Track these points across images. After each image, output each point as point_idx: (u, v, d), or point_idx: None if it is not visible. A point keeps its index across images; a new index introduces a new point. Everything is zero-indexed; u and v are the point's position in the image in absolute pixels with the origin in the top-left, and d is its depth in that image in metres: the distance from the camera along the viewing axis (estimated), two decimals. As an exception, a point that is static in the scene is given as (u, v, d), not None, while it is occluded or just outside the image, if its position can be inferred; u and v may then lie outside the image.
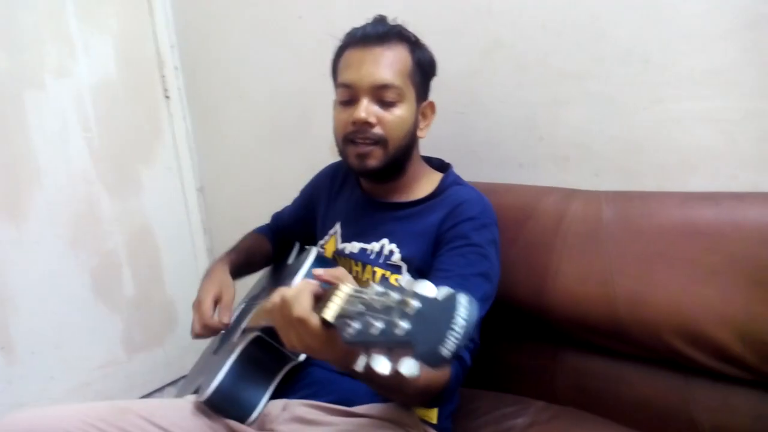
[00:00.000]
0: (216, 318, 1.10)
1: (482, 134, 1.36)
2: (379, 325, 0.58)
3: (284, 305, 0.73)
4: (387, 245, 1.08)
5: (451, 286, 0.94)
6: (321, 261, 1.09)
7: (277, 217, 1.42)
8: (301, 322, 0.70)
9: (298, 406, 1.01)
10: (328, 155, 1.53)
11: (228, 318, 1.11)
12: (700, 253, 0.98)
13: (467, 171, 1.17)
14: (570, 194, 1.16)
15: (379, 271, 1.07)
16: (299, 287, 0.73)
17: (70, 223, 1.78)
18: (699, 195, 1.04)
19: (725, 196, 1.02)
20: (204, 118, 2.04)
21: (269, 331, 1.02)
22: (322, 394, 1.02)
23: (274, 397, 1.04)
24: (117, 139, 1.87)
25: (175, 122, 2.02)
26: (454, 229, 1.02)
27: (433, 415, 1.06)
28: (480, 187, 1.12)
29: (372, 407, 1.00)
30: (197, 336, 1.12)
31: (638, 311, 1.02)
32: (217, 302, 1.12)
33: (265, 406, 1.03)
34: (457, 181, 1.13)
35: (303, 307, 0.70)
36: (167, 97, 1.99)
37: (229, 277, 1.18)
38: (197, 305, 1.12)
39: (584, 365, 1.14)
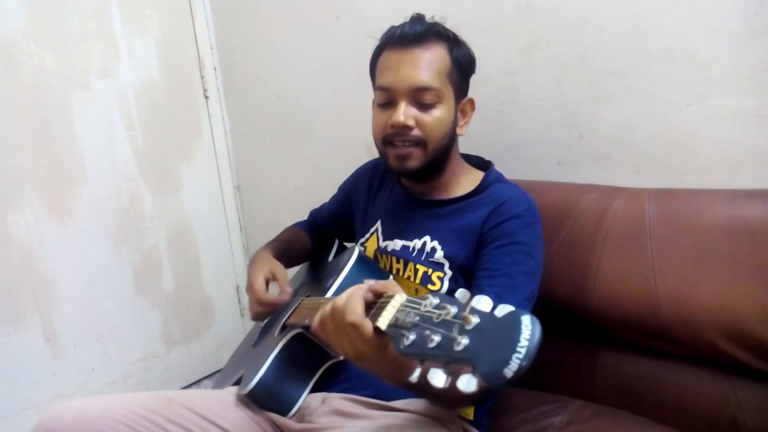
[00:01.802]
0: (271, 294, 1.12)
1: (521, 132, 1.35)
2: (436, 338, 0.58)
3: (335, 312, 0.74)
4: (429, 242, 1.08)
5: (498, 285, 0.97)
6: (363, 260, 1.10)
7: (315, 214, 1.44)
8: (354, 327, 0.71)
9: (337, 400, 1.03)
10: (364, 154, 1.54)
11: (290, 291, 1.13)
12: (746, 251, 0.96)
13: (505, 169, 1.16)
14: (611, 191, 1.14)
15: (421, 269, 1.07)
16: (349, 292, 0.74)
17: (113, 219, 1.83)
18: (745, 192, 1.02)
19: (772, 194, 1.00)
20: (242, 118, 2.07)
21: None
22: (359, 388, 1.03)
23: (313, 390, 1.05)
24: (158, 138, 1.91)
25: (214, 122, 2.06)
26: (500, 227, 1.02)
27: (470, 411, 1.06)
28: (518, 185, 1.11)
29: (409, 402, 1.01)
30: (256, 317, 1.16)
31: (681, 310, 1.00)
32: (268, 282, 1.15)
33: (305, 399, 1.04)
34: (500, 179, 1.12)
35: (357, 313, 0.71)
36: (207, 97, 2.03)
37: (275, 260, 1.20)
38: (250, 286, 1.14)
39: (625, 365, 1.12)
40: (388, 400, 1.01)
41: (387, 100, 1.05)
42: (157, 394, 1.05)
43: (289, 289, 1.14)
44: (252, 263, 1.21)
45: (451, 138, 1.08)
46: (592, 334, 1.16)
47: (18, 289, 1.65)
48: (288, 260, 1.31)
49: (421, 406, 1.00)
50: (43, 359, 1.72)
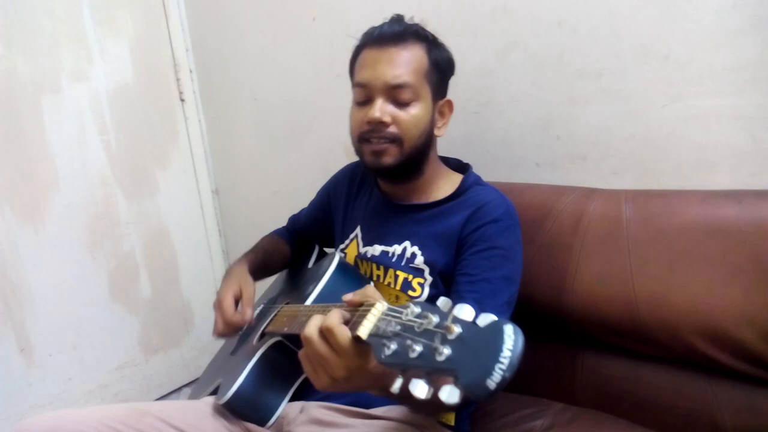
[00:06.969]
0: (238, 315, 1.09)
1: (498, 134, 1.34)
2: (418, 348, 0.56)
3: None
4: (409, 248, 1.07)
5: (477, 290, 0.97)
6: (343, 267, 1.08)
7: (294, 219, 1.42)
8: (330, 332, 0.69)
9: (316, 408, 1.02)
10: (343, 157, 1.53)
11: (251, 314, 1.10)
12: (722, 252, 0.96)
13: (483, 171, 1.16)
14: (589, 193, 1.14)
15: (401, 275, 1.06)
16: (327, 326, 0.70)
17: (87, 225, 1.79)
18: (720, 193, 1.02)
19: (747, 194, 1.00)
20: (218, 121, 2.05)
21: (290, 337, 1.02)
22: (338, 396, 1.02)
23: (291, 399, 1.04)
24: (133, 142, 1.88)
25: (191, 125, 2.04)
26: (478, 232, 1.01)
27: (451, 417, 1.05)
28: (497, 187, 1.11)
29: (389, 409, 1.00)
30: (220, 335, 1.12)
31: (659, 311, 1.00)
32: (237, 300, 1.12)
33: (283, 409, 1.03)
34: (478, 182, 1.11)
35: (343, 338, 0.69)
36: (182, 100, 2.01)
37: (248, 276, 1.18)
38: (218, 304, 1.11)
39: (604, 366, 1.13)
40: (367, 407, 1.00)
41: (364, 98, 1.05)
42: (131, 405, 1.03)
43: (249, 312, 1.10)
44: (225, 277, 1.18)
45: (428, 137, 1.07)
46: (571, 336, 1.16)
47: (-10, 298, 1.61)
48: (266, 271, 1.30)
49: (401, 412, 1.00)
50: (18, 369, 1.69)
